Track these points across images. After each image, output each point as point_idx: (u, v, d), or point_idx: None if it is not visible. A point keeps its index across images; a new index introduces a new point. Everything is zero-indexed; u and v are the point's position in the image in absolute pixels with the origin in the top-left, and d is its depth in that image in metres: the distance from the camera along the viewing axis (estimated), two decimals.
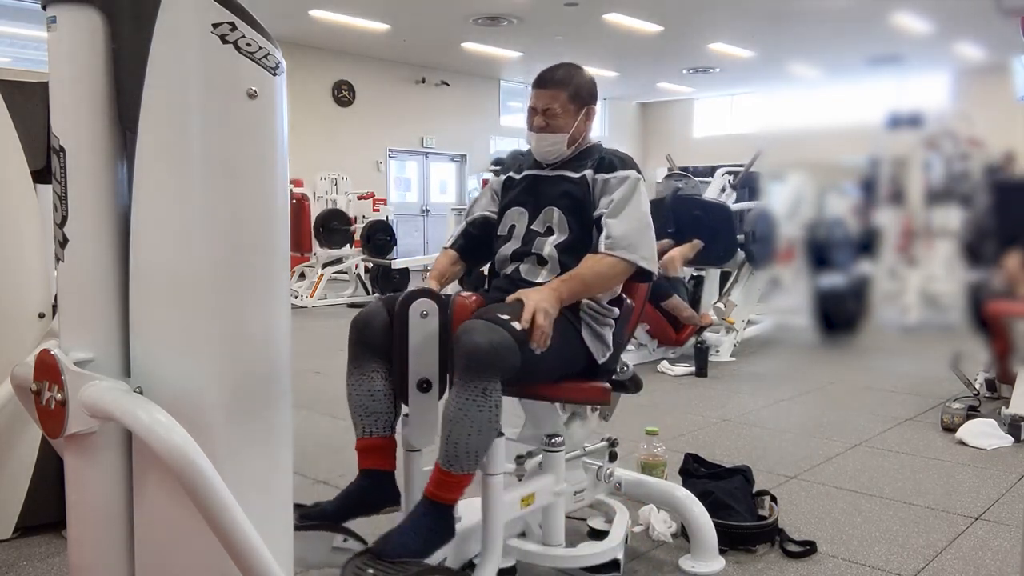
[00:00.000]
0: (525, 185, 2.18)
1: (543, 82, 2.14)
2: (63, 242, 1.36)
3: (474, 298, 1.97)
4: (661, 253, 5.07)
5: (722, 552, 2.19)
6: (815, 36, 9.97)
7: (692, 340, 5.00)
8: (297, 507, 1.78)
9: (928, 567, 2.25)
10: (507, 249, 2.13)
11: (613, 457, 2.24)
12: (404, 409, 1.94)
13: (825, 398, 4.33)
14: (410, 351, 1.86)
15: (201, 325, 1.34)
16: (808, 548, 2.32)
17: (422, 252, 12.94)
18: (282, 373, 1.44)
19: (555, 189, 2.11)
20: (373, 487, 1.91)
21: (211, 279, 1.34)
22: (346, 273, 9.02)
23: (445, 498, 1.77)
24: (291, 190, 8.48)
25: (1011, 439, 3.39)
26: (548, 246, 2.07)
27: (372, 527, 1.91)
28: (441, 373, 1.88)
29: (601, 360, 2.03)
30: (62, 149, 1.35)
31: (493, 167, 15.27)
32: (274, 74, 1.36)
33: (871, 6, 8.58)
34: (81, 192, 1.35)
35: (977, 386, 3.93)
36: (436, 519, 1.77)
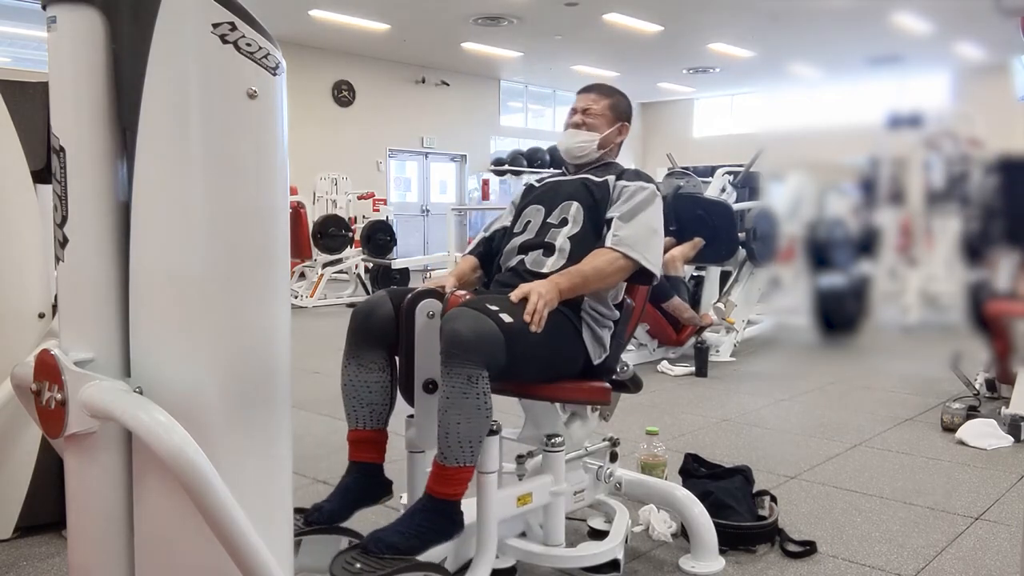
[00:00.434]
0: (546, 188, 2.26)
1: (588, 88, 2.32)
2: (63, 242, 1.36)
3: (466, 295, 1.97)
4: (663, 251, 5.08)
5: (722, 552, 2.19)
6: (815, 36, 9.97)
7: (692, 340, 5.00)
8: (297, 511, 1.77)
9: (928, 567, 2.25)
10: (516, 241, 2.16)
11: (614, 457, 2.25)
12: (409, 410, 1.94)
13: (825, 398, 4.33)
14: (416, 352, 1.85)
15: (201, 325, 1.34)
16: (808, 548, 2.32)
17: (422, 252, 12.95)
18: (282, 373, 1.44)
19: (575, 187, 2.18)
20: (366, 481, 1.91)
21: (211, 279, 1.34)
22: (346, 273, 9.03)
23: (442, 492, 1.75)
24: None
25: (1011, 439, 3.39)
26: (561, 236, 2.09)
27: (370, 526, 1.91)
28: None
29: (597, 361, 2.03)
30: (62, 149, 1.35)
31: (493, 167, 15.32)
32: (274, 74, 1.36)
33: (871, 6, 8.58)
34: (81, 192, 1.34)
35: (977, 386, 3.93)
36: (434, 515, 1.75)
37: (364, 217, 9.25)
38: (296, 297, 8.16)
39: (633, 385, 2.18)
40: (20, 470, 2.31)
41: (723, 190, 5.77)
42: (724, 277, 5.76)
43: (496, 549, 1.87)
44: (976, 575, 2.21)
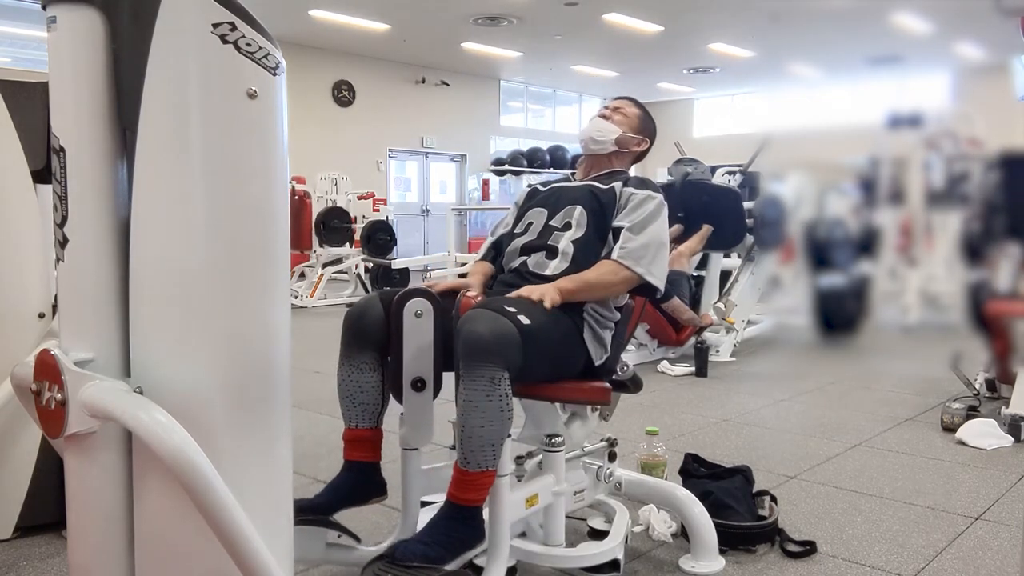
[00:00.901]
0: (550, 192, 2.27)
1: (624, 96, 2.42)
2: (63, 242, 1.36)
3: (478, 297, 1.97)
4: (672, 242, 5.11)
5: (722, 552, 2.19)
6: (815, 36, 9.97)
7: (692, 340, 5.00)
8: None
9: (928, 567, 2.25)
10: (518, 242, 2.16)
11: (612, 457, 2.25)
12: (401, 408, 1.94)
13: (825, 398, 4.33)
14: (404, 350, 1.86)
15: (201, 325, 1.34)
16: (808, 548, 2.32)
17: (422, 252, 12.95)
18: (282, 373, 1.44)
19: (581, 192, 2.19)
20: (358, 479, 1.91)
21: (211, 279, 1.34)
22: (346, 273, 9.03)
23: (465, 499, 1.73)
24: (293, 186, 8.52)
25: (1011, 439, 3.39)
26: (565, 240, 2.10)
27: (366, 523, 1.91)
28: (436, 373, 1.88)
29: (598, 362, 2.03)
30: (62, 149, 1.35)
31: (493, 167, 15.32)
32: (274, 74, 1.36)
33: (871, 6, 8.58)
34: (81, 192, 1.34)
35: (977, 386, 3.93)
36: (457, 522, 1.73)
37: (364, 217, 9.24)
38: (296, 297, 8.16)
39: (633, 385, 2.18)
40: (20, 470, 2.31)
41: None
42: (724, 277, 5.75)
43: (508, 552, 1.85)
44: (976, 575, 2.21)
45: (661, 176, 6.60)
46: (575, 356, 2.00)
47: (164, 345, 1.34)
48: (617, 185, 2.16)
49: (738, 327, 5.39)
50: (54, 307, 2.27)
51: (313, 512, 1.84)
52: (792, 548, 2.32)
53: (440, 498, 2.19)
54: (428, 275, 8.79)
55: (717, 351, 5.27)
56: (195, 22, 1.29)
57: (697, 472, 2.52)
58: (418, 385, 1.87)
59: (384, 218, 9.25)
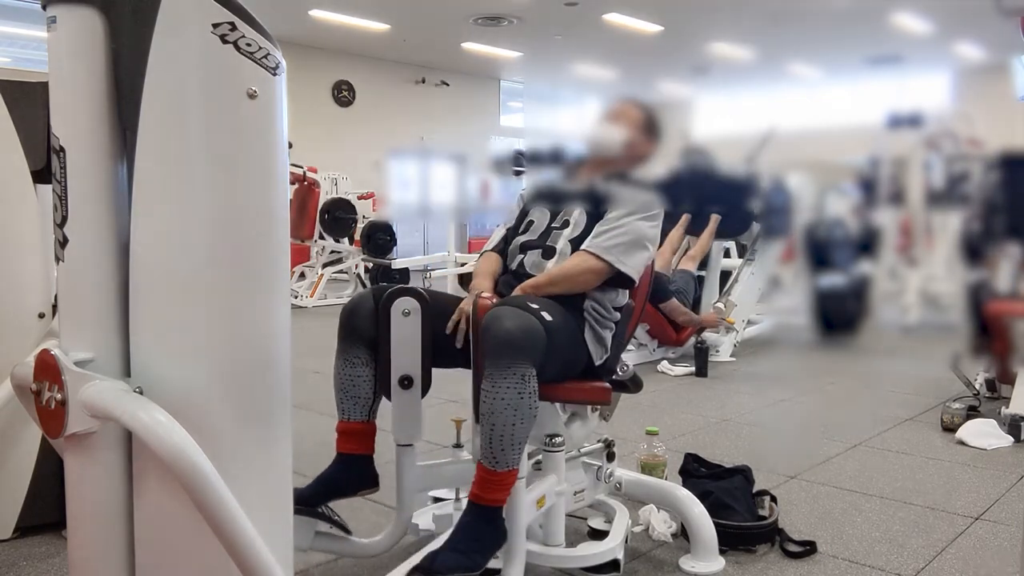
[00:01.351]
0: (552, 192, 2.27)
1: (630, 99, 2.38)
2: (63, 242, 1.36)
3: (494, 298, 1.98)
4: (680, 237, 5.14)
5: (722, 552, 2.19)
6: (815, 36, 9.97)
7: (692, 340, 5.00)
8: None
9: (928, 567, 2.25)
10: (518, 241, 2.16)
11: (611, 457, 2.25)
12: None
13: (825, 398, 4.33)
14: (392, 348, 1.87)
15: (201, 325, 1.34)
16: (808, 548, 2.32)
17: (422, 252, 12.93)
18: (282, 373, 1.44)
19: (582, 192, 2.19)
20: (349, 471, 1.93)
21: (211, 279, 1.34)
22: (346, 273, 9.02)
23: (490, 499, 1.73)
24: (304, 174, 8.58)
25: (1011, 439, 3.39)
26: (562, 239, 2.10)
27: (356, 514, 1.91)
28: (424, 371, 1.90)
29: (598, 362, 2.03)
30: (62, 149, 1.35)
31: (493, 167, 15.30)
32: (274, 74, 1.36)
33: (871, 6, 8.58)
34: (81, 192, 1.34)
35: (977, 386, 3.93)
36: (486, 524, 1.73)
37: (364, 217, 9.24)
38: (296, 297, 8.16)
39: (633, 385, 2.18)
40: (20, 470, 2.31)
41: None
42: (724, 277, 5.75)
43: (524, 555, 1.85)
44: (976, 575, 2.21)
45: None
46: (578, 356, 2.00)
47: (164, 345, 1.34)
48: (616, 185, 2.16)
49: (738, 327, 5.39)
50: (54, 307, 2.27)
51: (300, 503, 1.84)
52: (792, 548, 2.32)
53: (442, 494, 2.20)
54: (428, 275, 8.78)
55: (717, 351, 5.27)
56: (195, 22, 1.29)
57: (697, 472, 2.52)
58: (405, 383, 1.89)
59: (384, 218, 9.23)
